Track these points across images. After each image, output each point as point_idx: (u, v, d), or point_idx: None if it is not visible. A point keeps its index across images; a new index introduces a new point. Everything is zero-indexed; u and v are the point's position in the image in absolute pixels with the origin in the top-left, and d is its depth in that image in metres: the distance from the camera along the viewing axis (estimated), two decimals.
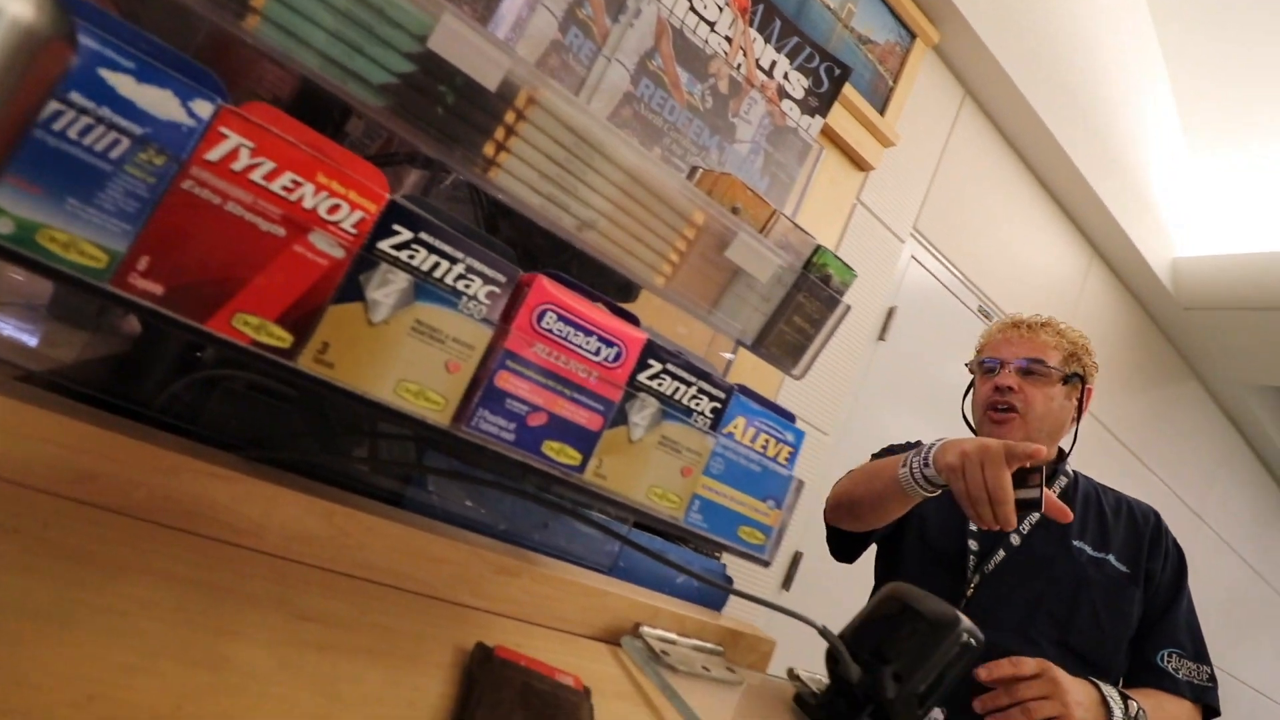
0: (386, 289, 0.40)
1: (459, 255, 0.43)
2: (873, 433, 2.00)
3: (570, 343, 0.45)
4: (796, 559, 1.89)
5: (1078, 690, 0.76)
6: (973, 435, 1.10)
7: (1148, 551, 0.96)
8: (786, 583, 1.89)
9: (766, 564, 0.53)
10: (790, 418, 0.56)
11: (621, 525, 0.75)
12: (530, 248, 0.76)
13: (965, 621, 0.64)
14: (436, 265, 0.42)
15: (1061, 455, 1.07)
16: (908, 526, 1.05)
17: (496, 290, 0.43)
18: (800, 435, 0.56)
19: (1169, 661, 0.89)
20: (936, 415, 2.16)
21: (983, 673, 0.79)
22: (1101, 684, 0.81)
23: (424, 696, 0.40)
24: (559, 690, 0.44)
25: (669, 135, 0.68)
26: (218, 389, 0.62)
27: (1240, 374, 2.97)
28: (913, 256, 2.05)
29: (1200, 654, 0.91)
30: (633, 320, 0.49)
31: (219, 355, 0.62)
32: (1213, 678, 0.90)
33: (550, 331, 0.44)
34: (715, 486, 0.51)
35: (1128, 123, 2.24)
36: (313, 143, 0.41)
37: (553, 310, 0.44)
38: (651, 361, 0.48)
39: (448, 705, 0.41)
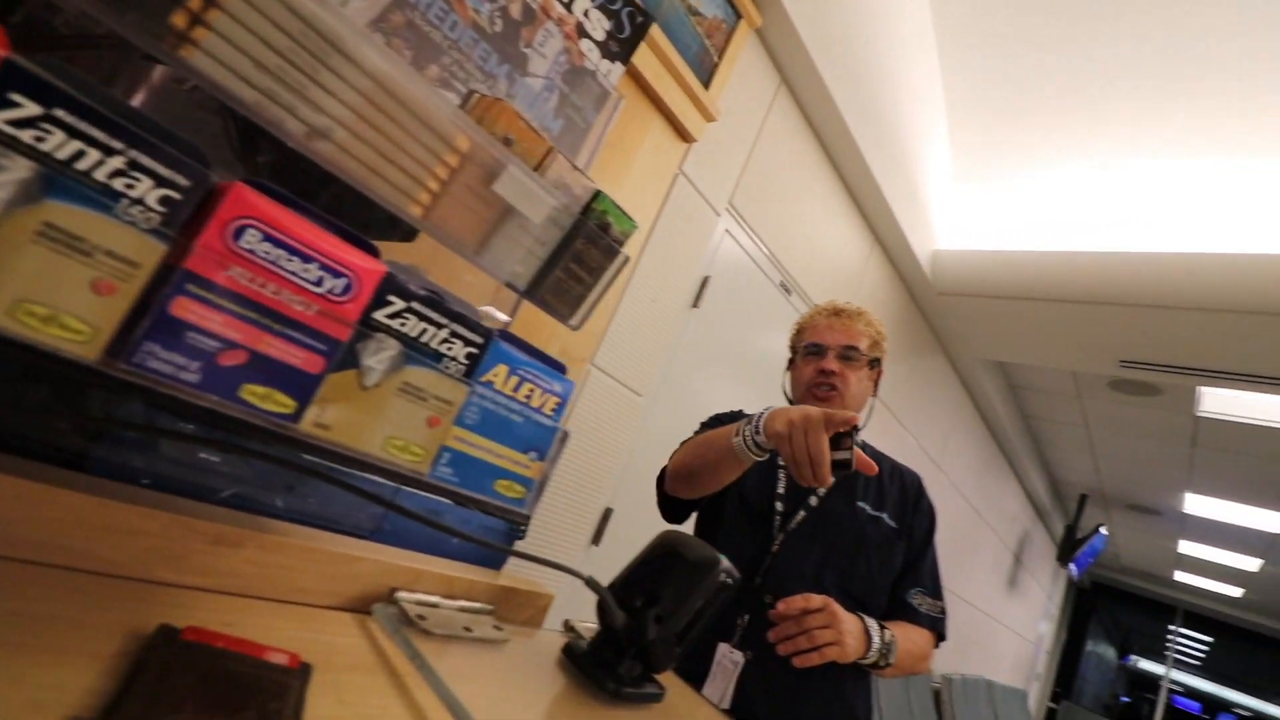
0: None
1: (117, 145, 0.33)
2: (685, 394, 2.11)
3: (281, 268, 0.38)
4: (607, 515, 1.95)
5: (849, 622, 0.93)
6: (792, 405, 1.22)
7: (912, 510, 1.17)
8: (596, 538, 1.94)
9: (526, 517, 0.51)
10: (560, 368, 0.54)
11: (389, 485, 0.68)
12: (296, 175, 0.65)
13: (724, 562, 0.69)
14: (80, 155, 0.32)
15: (855, 428, 1.21)
16: (729, 491, 1.13)
17: (175, 196, 0.35)
18: (570, 386, 0.54)
19: (915, 598, 1.10)
20: (742, 379, 2.33)
21: (781, 605, 0.90)
22: (865, 618, 0.98)
23: (59, 695, 0.32)
24: (261, 671, 0.38)
25: (449, 54, 0.61)
26: None
27: (975, 350, 3.65)
28: (726, 230, 2.16)
29: (937, 592, 1.15)
30: (372, 252, 0.43)
31: None
32: (944, 611, 1.14)
33: (253, 253, 0.37)
34: (468, 438, 0.47)
35: (910, 132, 2.57)
36: None
37: (256, 227, 0.37)
38: (392, 298, 0.43)
39: (97, 702, 0.33)
